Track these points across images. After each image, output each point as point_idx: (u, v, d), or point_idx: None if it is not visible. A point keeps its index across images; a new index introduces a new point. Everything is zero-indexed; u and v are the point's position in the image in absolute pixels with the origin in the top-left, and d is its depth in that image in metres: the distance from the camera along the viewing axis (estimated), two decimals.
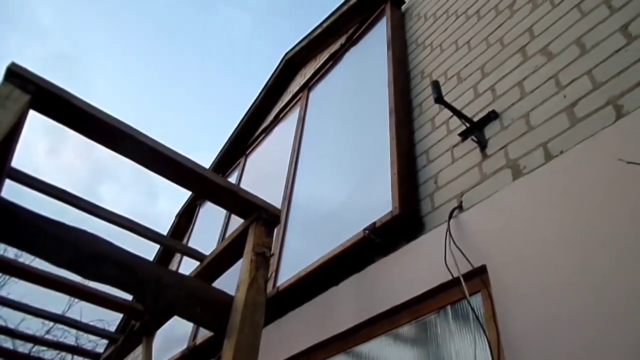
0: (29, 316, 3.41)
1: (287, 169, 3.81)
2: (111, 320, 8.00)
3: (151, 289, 1.58)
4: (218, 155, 6.02)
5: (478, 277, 1.71)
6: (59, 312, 4.81)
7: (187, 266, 4.32)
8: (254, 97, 5.82)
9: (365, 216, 2.38)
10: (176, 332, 4.12)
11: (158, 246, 6.27)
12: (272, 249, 2.24)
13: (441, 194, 2.19)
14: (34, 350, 9.43)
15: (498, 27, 2.51)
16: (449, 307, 1.85)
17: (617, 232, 1.38)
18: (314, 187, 3.41)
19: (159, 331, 3.17)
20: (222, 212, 4.57)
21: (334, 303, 2.40)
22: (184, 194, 8.85)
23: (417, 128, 2.68)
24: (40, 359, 6.04)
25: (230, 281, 1.99)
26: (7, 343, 8.26)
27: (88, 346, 9.08)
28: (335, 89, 4.01)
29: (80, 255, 1.49)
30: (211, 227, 4.97)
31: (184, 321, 1.81)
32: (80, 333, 9.08)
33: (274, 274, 3.01)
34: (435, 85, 2.20)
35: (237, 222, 2.09)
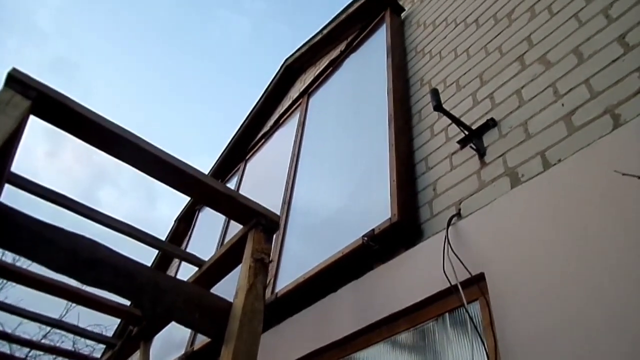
0: (26, 320, 3.40)
1: (286, 174, 3.82)
2: (108, 325, 7.99)
3: (149, 294, 1.58)
4: (218, 160, 6.03)
5: (476, 284, 1.71)
6: (56, 316, 4.79)
7: (186, 272, 4.31)
8: (253, 100, 5.85)
9: (364, 222, 2.39)
10: (174, 337, 4.10)
11: (157, 251, 6.26)
12: (271, 255, 2.24)
13: (440, 201, 2.20)
14: (30, 354, 9.41)
15: (497, 36, 2.52)
16: (447, 314, 1.85)
17: (614, 241, 1.38)
18: (314, 193, 3.41)
19: (156, 336, 3.16)
20: (222, 216, 4.56)
21: (332, 310, 2.40)
22: (183, 199, 8.83)
23: (416, 135, 2.69)
24: None
25: (228, 287, 1.99)
26: (4, 347, 8.25)
27: (85, 351, 9.06)
28: (334, 95, 4.02)
29: (78, 261, 1.49)
30: (210, 232, 4.96)
31: (182, 327, 1.80)
32: (78, 338, 9.04)
33: (272, 280, 3.01)
34: (435, 93, 2.21)
35: (236, 227, 2.08)
